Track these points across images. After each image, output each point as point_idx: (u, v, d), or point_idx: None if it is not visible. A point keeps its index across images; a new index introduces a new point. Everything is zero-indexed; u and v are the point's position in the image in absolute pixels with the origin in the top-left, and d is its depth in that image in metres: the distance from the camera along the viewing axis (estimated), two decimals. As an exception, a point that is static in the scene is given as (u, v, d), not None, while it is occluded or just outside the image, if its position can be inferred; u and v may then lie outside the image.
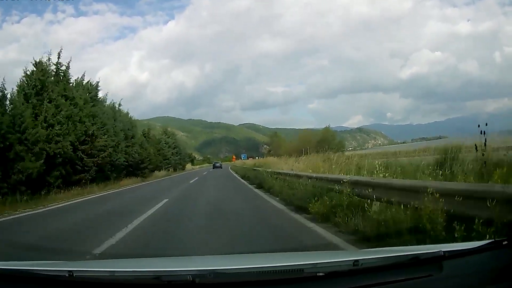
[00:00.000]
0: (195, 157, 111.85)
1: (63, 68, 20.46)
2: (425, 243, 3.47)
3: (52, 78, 19.13)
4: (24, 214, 10.83)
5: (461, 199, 3.70)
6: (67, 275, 1.73)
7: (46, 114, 17.41)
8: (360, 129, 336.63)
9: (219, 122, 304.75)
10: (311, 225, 6.50)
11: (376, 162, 9.51)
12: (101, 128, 21.89)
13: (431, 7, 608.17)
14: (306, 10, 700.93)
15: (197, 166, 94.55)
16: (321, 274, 1.67)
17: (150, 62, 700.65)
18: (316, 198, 7.21)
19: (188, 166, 69.71)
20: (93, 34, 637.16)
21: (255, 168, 23.99)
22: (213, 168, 61.09)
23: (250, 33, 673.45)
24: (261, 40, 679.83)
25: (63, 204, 13.35)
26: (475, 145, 6.01)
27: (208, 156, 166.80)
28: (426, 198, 3.98)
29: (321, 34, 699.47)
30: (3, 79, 15.82)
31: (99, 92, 24.77)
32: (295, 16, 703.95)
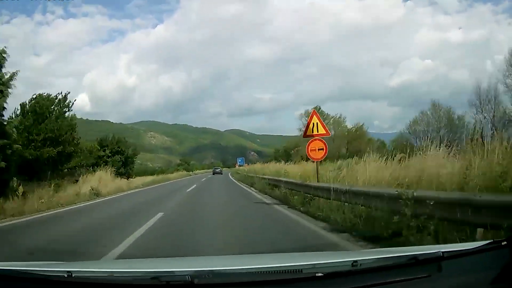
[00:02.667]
0: (132, 153, 35.59)
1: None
2: None
3: None
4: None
5: None
6: (65, 275, 1.71)
7: None
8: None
9: (205, 128, 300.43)
10: None
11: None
12: None
13: (423, 14, 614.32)
14: (295, 17, 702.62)
15: (149, 178, 37.62)
16: (320, 274, 1.67)
17: (138, 66, 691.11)
18: None
19: (108, 180, 22.88)
20: (82, 36, 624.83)
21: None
22: (213, 174, 54.87)
23: (239, 39, 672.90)
24: (249, 46, 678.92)
25: None
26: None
27: (192, 162, 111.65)
28: None
29: (310, 41, 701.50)
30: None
31: None
32: (284, 23, 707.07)
